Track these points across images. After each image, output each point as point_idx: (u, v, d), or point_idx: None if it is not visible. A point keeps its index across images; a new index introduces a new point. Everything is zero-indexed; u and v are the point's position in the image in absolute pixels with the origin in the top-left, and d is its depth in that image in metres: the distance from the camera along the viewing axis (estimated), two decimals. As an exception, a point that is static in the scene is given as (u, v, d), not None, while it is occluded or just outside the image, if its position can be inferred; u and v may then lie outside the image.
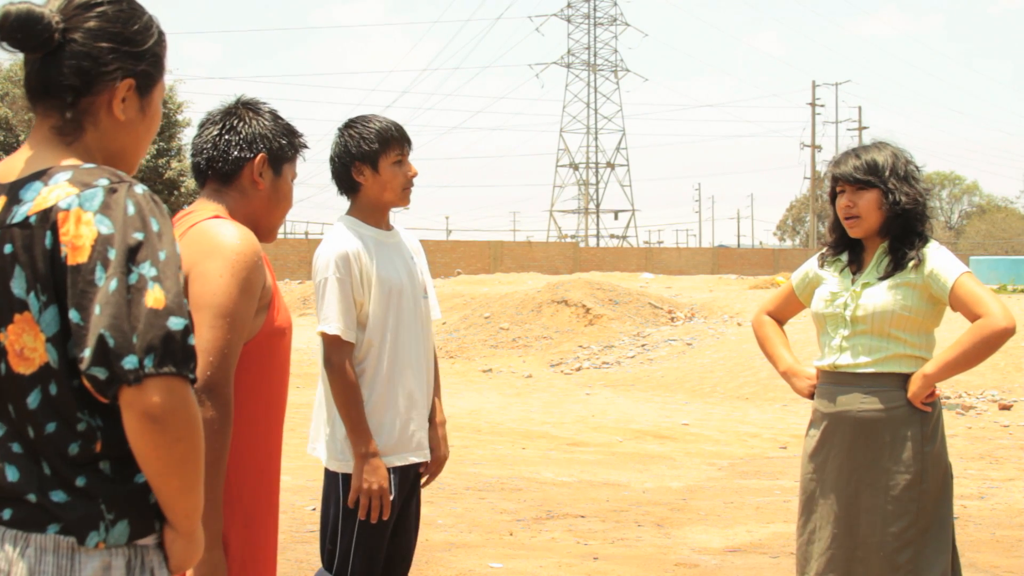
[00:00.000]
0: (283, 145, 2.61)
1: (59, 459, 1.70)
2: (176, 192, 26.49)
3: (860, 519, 3.35)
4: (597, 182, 77.24)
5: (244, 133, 2.57)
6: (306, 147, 2.70)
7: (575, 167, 77.12)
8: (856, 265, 3.49)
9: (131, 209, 1.68)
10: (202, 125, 2.64)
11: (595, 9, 76.66)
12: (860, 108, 62.72)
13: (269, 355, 2.41)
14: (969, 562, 5.50)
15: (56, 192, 1.69)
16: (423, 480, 3.49)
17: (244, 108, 2.63)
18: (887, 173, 3.41)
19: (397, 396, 3.31)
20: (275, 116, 2.65)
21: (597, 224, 76.14)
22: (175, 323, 1.64)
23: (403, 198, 3.42)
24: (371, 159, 3.36)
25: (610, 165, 77.05)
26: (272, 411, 2.46)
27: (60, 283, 1.66)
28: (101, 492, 1.70)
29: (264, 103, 2.66)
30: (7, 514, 1.70)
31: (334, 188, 3.49)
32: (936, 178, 78.50)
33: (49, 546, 1.68)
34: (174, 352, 1.63)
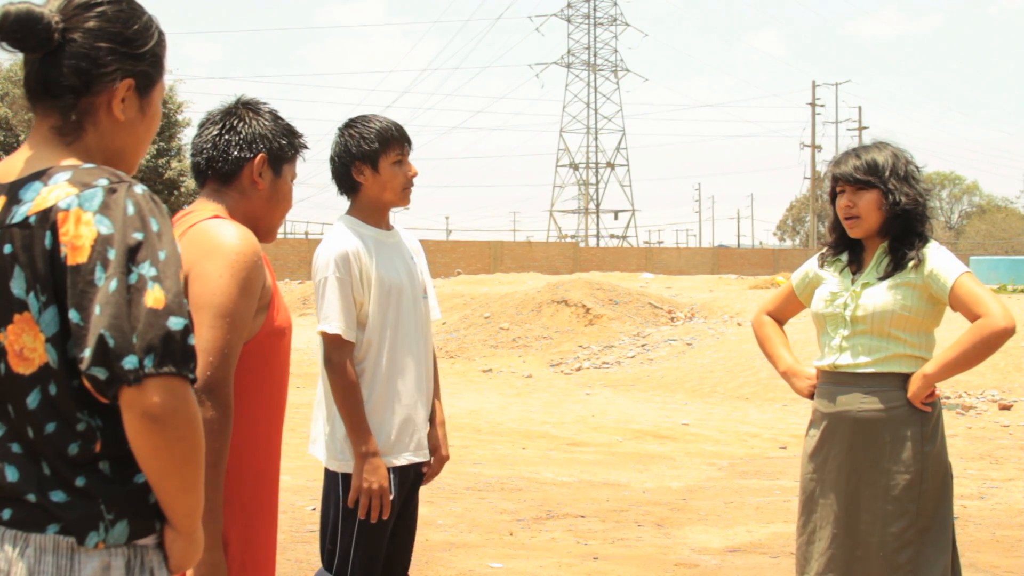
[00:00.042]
0: (283, 145, 2.61)
1: (59, 459, 1.70)
2: (176, 192, 26.48)
3: (860, 519, 3.35)
4: (597, 182, 77.27)
5: (244, 133, 2.57)
6: (306, 147, 2.70)
7: (575, 167, 77.13)
8: (856, 265, 3.49)
9: (131, 209, 1.68)
10: (202, 125, 2.64)
11: (595, 9, 76.67)
12: (860, 108, 62.75)
13: (269, 355, 2.41)
14: (969, 562, 5.50)
15: (56, 192, 1.69)
16: (423, 479, 3.49)
17: (244, 108, 2.63)
18: (887, 173, 3.41)
19: (397, 396, 3.31)
20: (275, 116, 2.65)
21: (597, 224, 76.17)
22: (175, 323, 1.64)
23: (403, 198, 3.42)
24: (371, 159, 3.36)
25: (610, 165, 77.07)
26: (272, 411, 2.46)
27: (60, 283, 1.66)
28: (101, 492, 1.70)
29: (264, 103, 2.67)
30: (7, 514, 1.70)
31: (334, 188, 3.49)
32: (936, 178, 78.50)
33: (49, 546, 1.68)
34: (174, 352, 1.63)
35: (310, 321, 19.36)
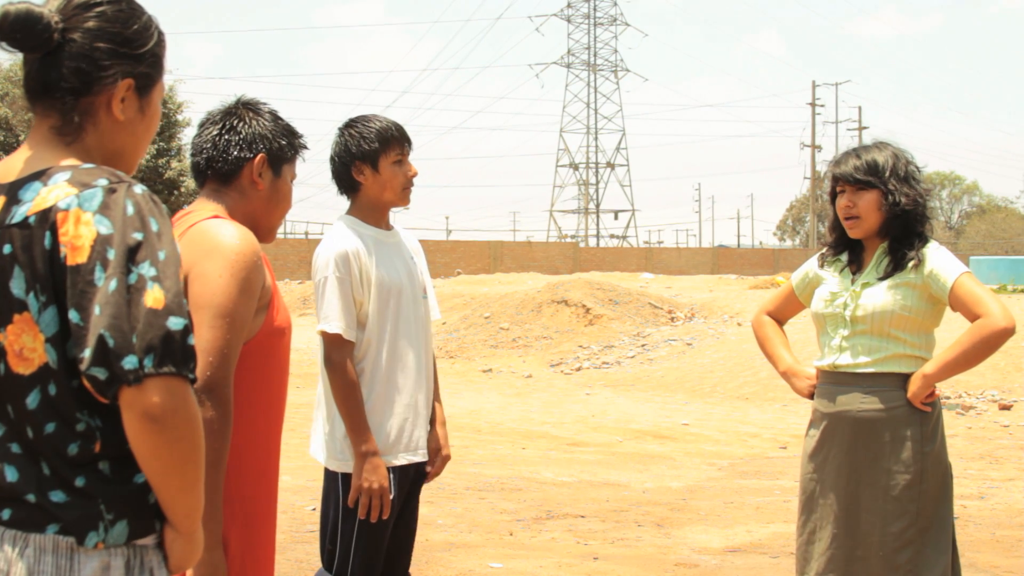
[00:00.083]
0: (283, 146, 2.61)
1: (58, 459, 1.70)
2: (176, 192, 26.48)
3: (860, 519, 3.35)
4: (597, 182, 77.27)
5: (244, 133, 2.57)
6: (306, 148, 2.70)
7: (575, 167, 77.13)
8: (856, 265, 3.49)
9: (130, 209, 1.68)
10: (202, 125, 2.64)
11: (595, 9, 76.67)
12: (860, 108, 62.77)
13: (269, 355, 2.41)
14: (969, 562, 5.50)
15: (55, 192, 1.69)
16: (426, 479, 3.49)
17: (244, 108, 2.63)
18: (887, 174, 3.41)
19: (396, 396, 3.31)
20: (275, 116, 2.65)
21: (597, 224, 76.17)
22: (175, 323, 1.64)
23: (403, 198, 3.42)
24: (371, 158, 3.36)
25: (610, 165, 77.07)
26: (272, 411, 2.46)
27: (59, 283, 1.66)
28: (100, 492, 1.70)
29: (264, 103, 2.67)
30: (6, 514, 1.70)
31: (334, 188, 3.49)
32: (936, 178, 78.49)
33: (48, 546, 1.68)
34: (174, 352, 1.63)
35: (310, 321, 19.36)
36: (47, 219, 1.67)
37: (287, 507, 6.57)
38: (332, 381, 3.23)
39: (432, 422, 3.46)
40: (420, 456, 3.38)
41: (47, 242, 1.67)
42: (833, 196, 3.53)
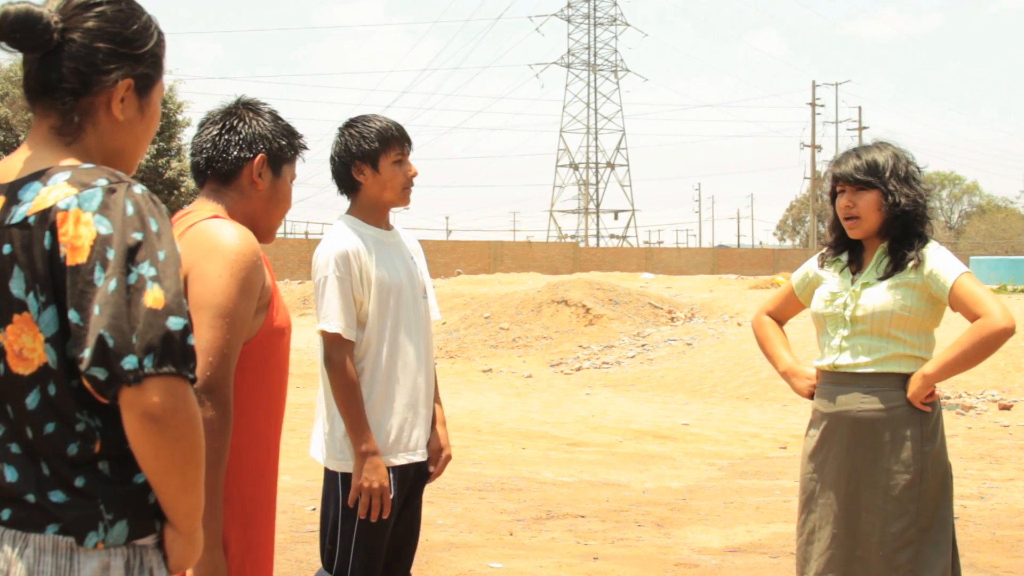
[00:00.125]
0: (283, 146, 2.61)
1: (58, 459, 1.70)
2: (176, 192, 26.48)
3: (860, 519, 3.35)
4: (597, 182, 77.26)
5: (244, 133, 2.57)
6: (306, 148, 2.70)
7: (575, 167, 77.13)
8: (856, 265, 3.49)
9: (130, 209, 1.68)
10: (202, 125, 2.64)
11: (595, 9, 76.67)
12: (860, 108, 62.76)
13: (268, 355, 2.41)
14: (969, 562, 5.50)
15: (55, 192, 1.69)
16: (428, 479, 3.49)
17: (244, 108, 2.63)
18: (887, 174, 3.41)
19: (396, 395, 3.31)
20: (275, 117, 2.65)
21: (597, 224, 76.16)
22: (174, 323, 1.64)
23: (403, 198, 3.42)
24: (371, 158, 3.36)
25: (610, 165, 77.06)
26: (272, 411, 2.46)
27: (59, 283, 1.66)
28: (100, 492, 1.70)
29: (264, 103, 2.67)
30: (6, 514, 1.70)
31: (334, 188, 3.49)
32: (936, 178, 78.50)
33: (48, 546, 1.68)
34: (173, 352, 1.63)
35: (310, 321, 19.36)
36: (47, 219, 1.67)
37: (287, 507, 6.57)
38: (332, 380, 3.23)
39: (433, 422, 3.46)
40: (420, 456, 3.37)
41: (47, 242, 1.67)
42: (833, 196, 3.53)
